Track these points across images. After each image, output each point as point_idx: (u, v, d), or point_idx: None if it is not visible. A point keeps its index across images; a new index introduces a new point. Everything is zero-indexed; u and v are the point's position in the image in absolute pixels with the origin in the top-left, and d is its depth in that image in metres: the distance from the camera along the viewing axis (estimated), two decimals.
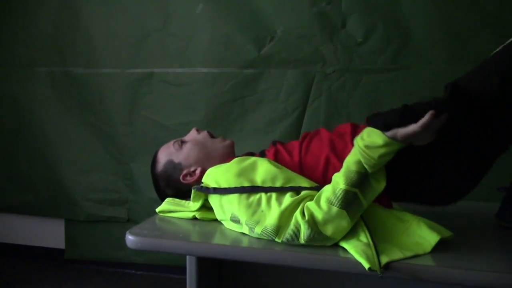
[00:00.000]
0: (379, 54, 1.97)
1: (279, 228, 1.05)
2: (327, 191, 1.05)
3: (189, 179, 1.34)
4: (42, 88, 2.37)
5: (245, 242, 1.11)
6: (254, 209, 1.10)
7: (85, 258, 2.46)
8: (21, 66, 2.39)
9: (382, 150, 1.05)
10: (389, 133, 1.06)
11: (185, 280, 1.34)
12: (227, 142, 1.41)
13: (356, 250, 0.98)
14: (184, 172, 1.35)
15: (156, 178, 1.41)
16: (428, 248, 1.02)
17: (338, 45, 2.01)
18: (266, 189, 1.11)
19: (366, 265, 0.94)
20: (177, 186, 1.36)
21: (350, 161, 1.07)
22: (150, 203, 2.28)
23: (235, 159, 1.21)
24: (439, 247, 1.05)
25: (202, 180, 1.22)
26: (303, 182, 1.13)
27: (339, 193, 1.03)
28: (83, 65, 2.30)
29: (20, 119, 2.42)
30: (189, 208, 1.27)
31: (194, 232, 1.19)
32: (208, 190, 1.18)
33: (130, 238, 1.14)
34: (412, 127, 1.05)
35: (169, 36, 2.19)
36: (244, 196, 1.12)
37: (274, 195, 1.10)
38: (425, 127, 1.04)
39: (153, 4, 2.19)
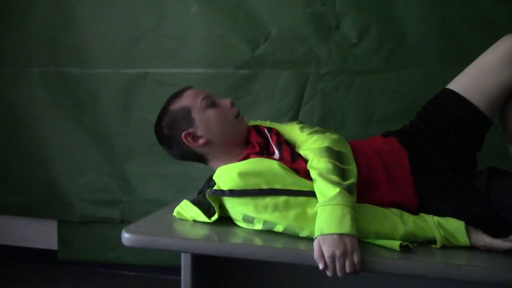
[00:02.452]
0: (373, 55, 1.98)
1: (300, 227, 1.09)
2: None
3: (189, 141, 1.31)
4: (35, 88, 2.35)
5: (240, 239, 1.11)
6: (272, 210, 1.11)
7: (78, 259, 2.44)
8: (14, 66, 2.37)
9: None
10: (473, 239, 1.09)
11: (179, 281, 1.33)
12: (244, 127, 1.38)
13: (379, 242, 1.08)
14: (190, 130, 1.31)
15: (163, 112, 1.36)
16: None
17: (333, 46, 2.02)
18: (286, 192, 1.12)
19: (397, 244, 1.04)
20: (173, 135, 1.33)
21: (421, 232, 1.10)
22: (144, 204, 2.28)
23: (250, 160, 1.20)
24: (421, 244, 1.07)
25: (214, 178, 1.19)
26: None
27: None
28: (77, 65, 2.29)
29: (13, 120, 2.41)
30: (207, 218, 1.22)
31: (189, 230, 1.19)
32: (224, 193, 1.15)
33: (126, 236, 1.13)
34: (497, 244, 1.07)
35: (164, 37, 2.19)
36: (260, 198, 1.12)
37: (291, 198, 1.11)
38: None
39: (148, 4, 2.18)
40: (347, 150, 1.22)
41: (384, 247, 1.07)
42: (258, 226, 1.14)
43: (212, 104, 1.33)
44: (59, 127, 2.35)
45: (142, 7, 2.19)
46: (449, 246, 1.09)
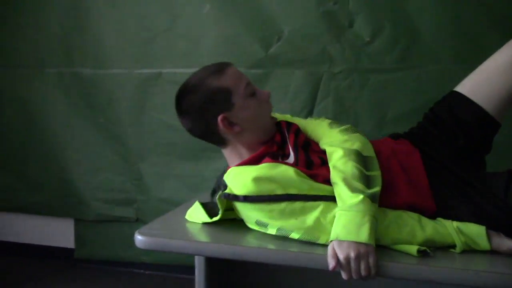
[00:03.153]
0: (387, 53, 1.96)
1: (317, 236, 1.07)
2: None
3: (225, 126, 1.20)
4: (51, 89, 2.38)
5: (254, 242, 1.11)
6: (288, 216, 1.09)
7: (94, 258, 2.47)
8: (30, 67, 2.40)
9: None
10: (495, 243, 1.06)
11: (193, 280, 1.34)
12: (273, 124, 1.30)
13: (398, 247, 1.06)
14: (227, 114, 1.20)
15: (200, 83, 1.24)
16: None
17: (346, 45, 2.00)
18: (302, 197, 1.09)
19: (415, 249, 1.02)
20: (206, 112, 1.22)
21: (439, 238, 1.08)
22: (159, 203, 2.29)
23: (265, 165, 1.14)
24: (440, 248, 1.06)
25: (225, 179, 1.17)
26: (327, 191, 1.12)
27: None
28: (92, 66, 2.31)
29: (29, 120, 2.44)
30: (210, 218, 1.22)
31: (202, 232, 1.19)
32: (237, 198, 1.11)
33: (139, 238, 1.14)
34: None
35: (177, 37, 2.19)
36: (276, 203, 1.09)
37: (307, 203, 1.09)
38: None
39: (161, 4, 2.19)
40: (373, 154, 1.18)
41: (401, 252, 1.05)
42: (272, 231, 1.11)
43: (253, 94, 1.23)
44: (75, 127, 2.37)
45: (155, 7, 2.19)
46: (469, 250, 1.07)
